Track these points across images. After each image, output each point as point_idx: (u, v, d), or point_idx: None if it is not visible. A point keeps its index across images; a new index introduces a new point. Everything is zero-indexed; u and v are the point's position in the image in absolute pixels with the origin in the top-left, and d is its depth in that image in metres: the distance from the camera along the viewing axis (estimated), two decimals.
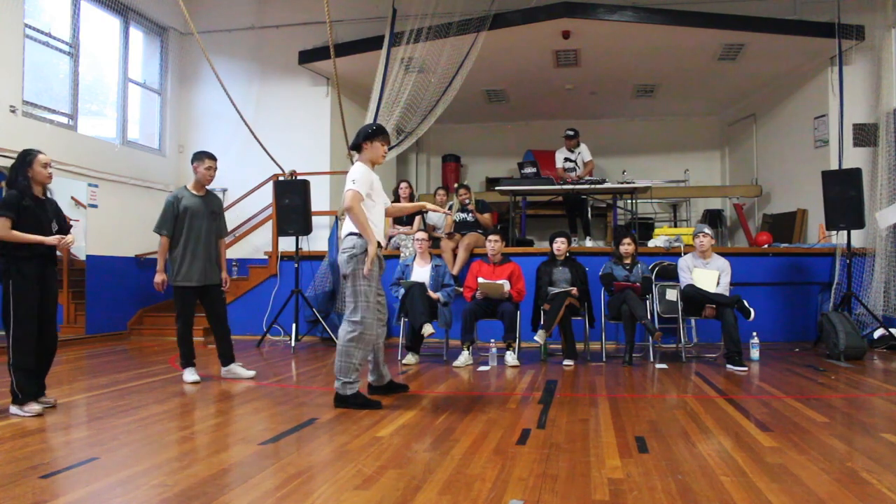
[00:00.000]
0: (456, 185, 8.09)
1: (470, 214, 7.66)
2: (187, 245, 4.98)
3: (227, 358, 5.25)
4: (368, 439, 3.28)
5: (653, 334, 5.78)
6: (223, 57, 9.04)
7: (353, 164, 4.35)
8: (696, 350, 6.71)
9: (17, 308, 3.86)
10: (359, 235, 4.05)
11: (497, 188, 8.75)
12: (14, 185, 3.93)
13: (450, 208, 7.93)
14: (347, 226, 4.13)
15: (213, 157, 5.11)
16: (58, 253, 4.09)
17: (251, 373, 5.22)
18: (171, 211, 4.96)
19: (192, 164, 5.11)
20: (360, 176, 4.06)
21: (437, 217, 8.04)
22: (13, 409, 3.88)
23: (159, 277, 4.96)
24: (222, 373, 5.25)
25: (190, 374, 5.02)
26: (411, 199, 8.11)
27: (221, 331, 5.20)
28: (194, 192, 5.09)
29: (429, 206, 4.79)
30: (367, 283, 4.04)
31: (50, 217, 4.06)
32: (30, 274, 3.90)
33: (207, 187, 5.19)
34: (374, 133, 4.21)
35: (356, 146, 4.23)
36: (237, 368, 5.22)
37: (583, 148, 8.89)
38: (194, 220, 5.00)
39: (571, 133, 8.85)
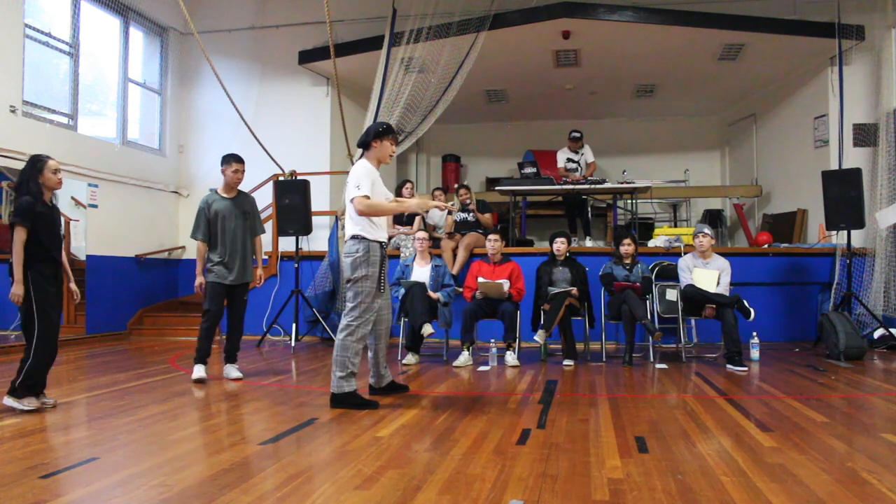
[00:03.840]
0: (456, 185, 8.08)
1: (471, 214, 7.66)
2: (224, 247, 5.12)
3: (229, 357, 5.26)
4: (368, 439, 3.28)
5: (653, 334, 5.78)
6: (223, 57, 9.04)
7: (353, 164, 4.34)
8: (696, 350, 6.71)
9: (40, 305, 3.92)
10: (362, 239, 4.05)
11: (497, 188, 8.75)
12: (26, 192, 3.96)
13: None
14: (350, 228, 4.12)
15: (239, 160, 5.24)
16: (65, 260, 4.20)
17: (238, 374, 5.21)
18: (203, 216, 5.11)
19: (221, 167, 5.26)
20: (363, 176, 4.04)
21: (438, 217, 8.04)
22: (8, 401, 3.89)
23: (197, 281, 5.09)
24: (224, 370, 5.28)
25: (198, 371, 5.06)
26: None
27: (237, 329, 5.27)
28: (224, 194, 5.23)
29: (430, 203, 4.67)
30: (370, 286, 4.05)
31: (59, 223, 4.13)
32: (47, 275, 3.98)
33: (238, 188, 5.32)
34: (385, 131, 4.21)
35: (365, 143, 4.22)
36: (230, 368, 5.24)
37: (586, 149, 8.89)
38: (226, 222, 5.14)
39: (578, 135, 8.84)
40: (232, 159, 5.22)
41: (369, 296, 4.07)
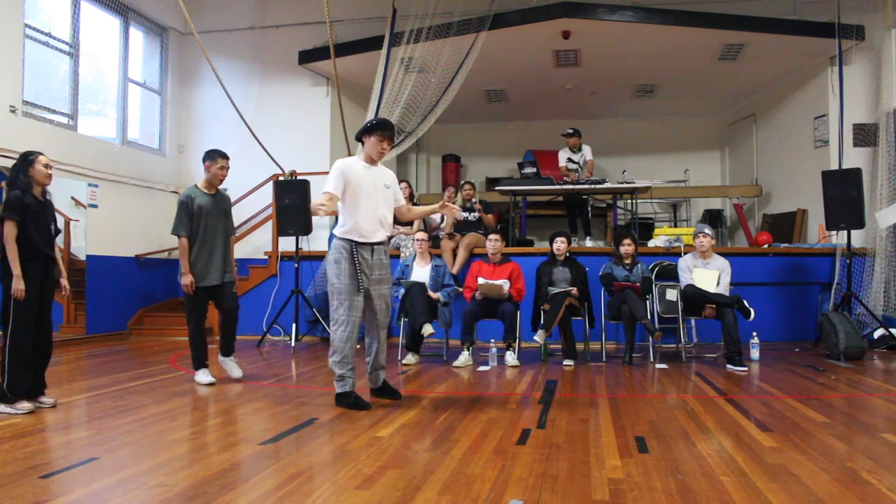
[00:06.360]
0: (463, 182, 8.03)
1: (471, 213, 7.65)
2: (204, 245, 4.91)
3: (226, 349, 5.17)
4: (368, 439, 3.28)
5: (653, 334, 5.78)
6: (223, 57, 9.04)
7: None
8: (696, 350, 6.71)
9: (17, 308, 3.87)
10: (334, 237, 4.10)
11: (497, 188, 8.75)
12: (15, 185, 3.95)
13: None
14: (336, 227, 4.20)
15: (225, 157, 5.02)
16: (58, 255, 4.15)
17: (240, 373, 5.15)
18: (186, 211, 4.87)
19: (203, 162, 5.02)
20: (337, 177, 4.08)
21: (439, 215, 8.03)
22: (1, 408, 3.86)
23: (187, 279, 4.82)
24: (219, 359, 5.20)
25: (203, 376, 4.94)
26: (411, 198, 8.11)
27: (230, 326, 5.13)
28: (205, 191, 5.02)
29: (448, 206, 4.48)
30: (339, 284, 4.02)
31: (49, 219, 4.10)
32: (33, 275, 3.93)
33: (218, 186, 5.11)
34: (372, 127, 4.17)
35: (358, 139, 4.26)
36: (230, 363, 5.16)
37: (586, 149, 8.87)
38: (209, 219, 4.93)
39: (571, 131, 8.80)
40: (217, 155, 4.98)
41: (341, 295, 4.01)
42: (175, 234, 4.91)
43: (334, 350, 4.07)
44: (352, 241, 4.05)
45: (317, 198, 4.22)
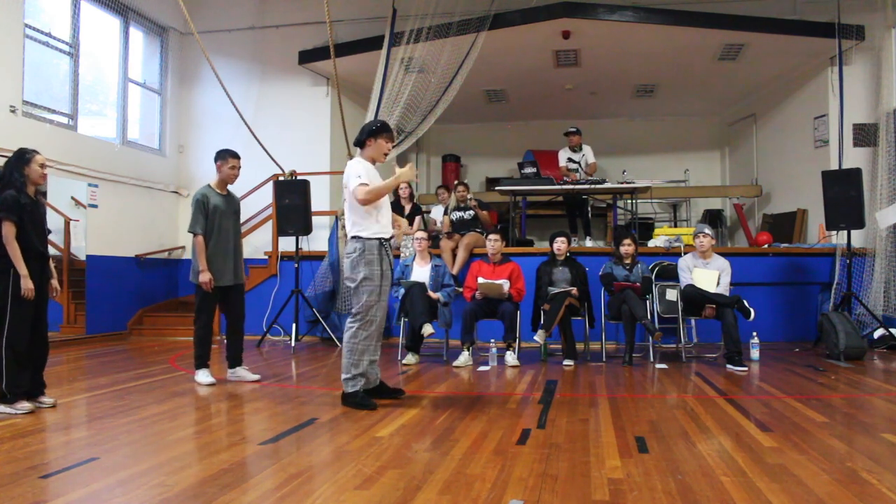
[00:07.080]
0: (456, 182, 8.06)
1: (467, 213, 7.65)
2: (217, 245, 4.91)
3: (235, 360, 5.17)
4: (368, 439, 3.28)
5: (653, 334, 5.78)
6: (223, 57, 9.04)
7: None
8: (696, 350, 6.71)
9: (15, 308, 3.86)
10: (358, 238, 4.05)
11: (497, 188, 8.75)
12: (9, 182, 3.91)
13: (446, 208, 7.93)
14: (348, 229, 4.13)
15: (236, 156, 5.01)
16: (57, 252, 4.14)
17: (256, 376, 5.15)
18: (202, 209, 4.86)
19: (215, 162, 5.01)
20: (365, 170, 4.04)
21: (437, 215, 8.06)
22: (1, 408, 3.86)
23: (206, 276, 4.81)
24: (228, 375, 5.18)
25: (204, 376, 4.95)
26: (411, 198, 8.11)
27: (237, 332, 5.14)
28: (218, 191, 5.02)
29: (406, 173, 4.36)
30: (368, 285, 4.03)
31: (43, 218, 4.08)
32: (30, 275, 3.91)
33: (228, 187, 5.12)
34: (378, 130, 4.17)
35: (359, 142, 4.20)
36: (242, 371, 5.16)
37: (587, 150, 8.85)
38: (223, 219, 4.94)
39: (574, 129, 8.79)
40: (229, 155, 4.98)
41: (370, 295, 4.04)
42: (192, 232, 4.89)
43: (354, 349, 4.05)
44: (381, 239, 4.08)
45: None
